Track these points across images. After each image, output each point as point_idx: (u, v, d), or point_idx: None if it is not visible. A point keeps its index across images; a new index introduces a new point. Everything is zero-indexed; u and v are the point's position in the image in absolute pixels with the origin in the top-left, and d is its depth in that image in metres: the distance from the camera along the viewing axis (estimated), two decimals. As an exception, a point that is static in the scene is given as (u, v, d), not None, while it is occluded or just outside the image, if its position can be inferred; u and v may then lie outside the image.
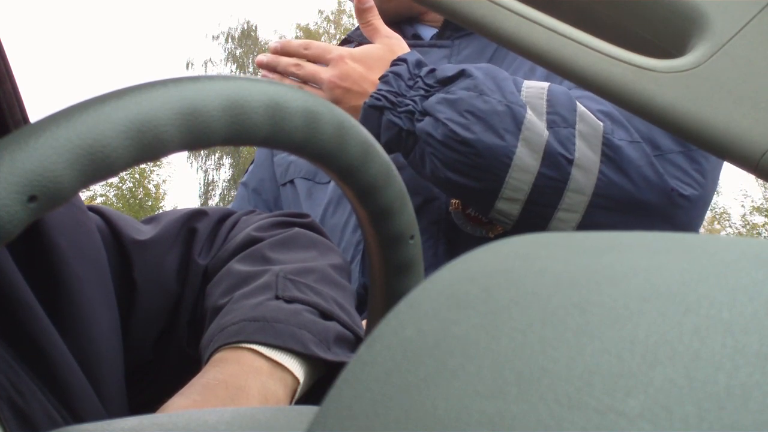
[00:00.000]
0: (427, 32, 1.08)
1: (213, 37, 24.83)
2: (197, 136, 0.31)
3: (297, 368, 0.56)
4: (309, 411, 0.37)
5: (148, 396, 0.63)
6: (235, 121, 0.32)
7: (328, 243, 0.73)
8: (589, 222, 0.82)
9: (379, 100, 0.85)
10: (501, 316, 0.16)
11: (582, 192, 0.81)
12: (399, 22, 1.08)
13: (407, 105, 0.84)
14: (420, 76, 0.85)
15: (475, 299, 0.17)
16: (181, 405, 0.48)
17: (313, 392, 0.59)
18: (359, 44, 1.06)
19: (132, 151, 0.29)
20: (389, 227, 0.41)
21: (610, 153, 0.80)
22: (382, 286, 0.44)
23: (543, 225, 0.84)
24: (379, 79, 0.87)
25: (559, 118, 0.81)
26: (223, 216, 0.73)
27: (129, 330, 0.62)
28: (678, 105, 0.42)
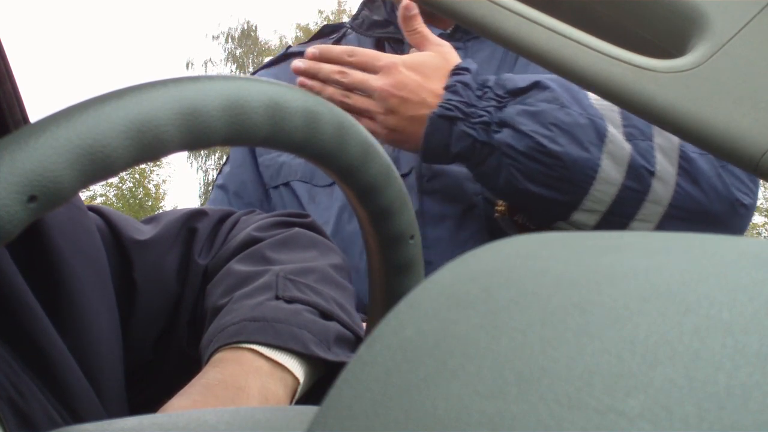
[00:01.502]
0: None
1: (213, 37, 24.81)
2: (197, 136, 0.31)
3: (297, 368, 0.56)
4: (309, 411, 0.37)
5: (148, 396, 0.63)
6: (235, 121, 0.32)
7: (328, 243, 0.73)
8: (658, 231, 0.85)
9: (450, 110, 0.83)
10: (501, 316, 0.16)
11: (659, 203, 0.83)
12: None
13: (481, 116, 0.83)
14: (489, 87, 0.85)
15: (475, 299, 0.17)
16: (182, 405, 0.48)
17: (313, 392, 0.59)
18: (360, 34, 1.05)
19: (132, 151, 0.29)
20: (389, 227, 0.41)
21: (685, 165, 0.83)
22: (382, 286, 0.44)
23: None
24: (445, 88, 0.85)
25: (637, 131, 0.83)
26: (223, 216, 0.73)
27: (129, 330, 0.62)
28: (678, 105, 0.42)
